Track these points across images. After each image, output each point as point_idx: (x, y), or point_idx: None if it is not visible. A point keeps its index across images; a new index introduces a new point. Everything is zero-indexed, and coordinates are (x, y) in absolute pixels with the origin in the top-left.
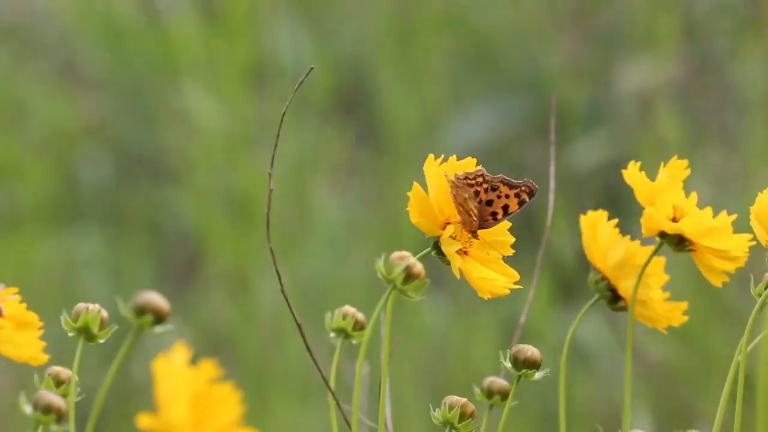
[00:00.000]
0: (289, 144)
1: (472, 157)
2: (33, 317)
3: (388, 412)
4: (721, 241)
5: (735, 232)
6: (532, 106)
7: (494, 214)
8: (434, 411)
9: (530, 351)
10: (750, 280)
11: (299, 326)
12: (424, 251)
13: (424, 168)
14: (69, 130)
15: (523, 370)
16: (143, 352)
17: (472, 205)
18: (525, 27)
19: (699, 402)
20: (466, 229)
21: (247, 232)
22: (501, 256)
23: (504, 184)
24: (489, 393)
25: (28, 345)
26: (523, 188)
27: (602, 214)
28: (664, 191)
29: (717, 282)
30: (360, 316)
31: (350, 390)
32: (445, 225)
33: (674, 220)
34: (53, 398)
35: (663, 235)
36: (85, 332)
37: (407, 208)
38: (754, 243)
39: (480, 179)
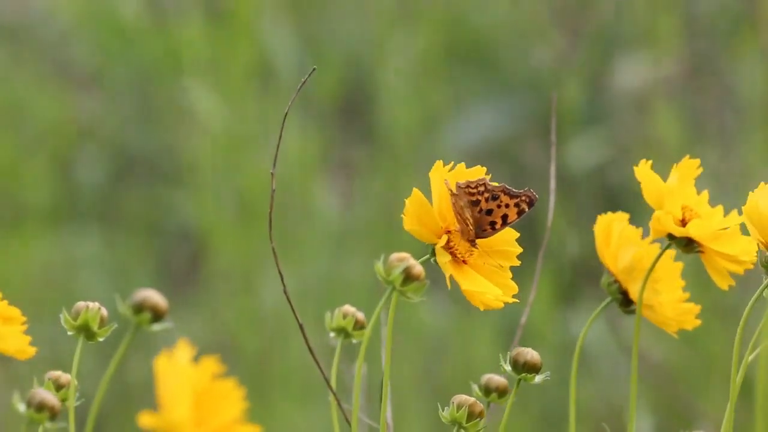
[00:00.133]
0: (290, 144)
1: (472, 157)
2: (15, 312)
3: (389, 413)
4: (729, 245)
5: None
6: (530, 105)
7: (493, 224)
8: (442, 410)
9: (530, 354)
10: (750, 281)
11: (301, 326)
12: (424, 258)
13: (430, 174)
14: (68, 129)
15: (523, 374)
16: (142, 352)
17: (468, 214)
18: (524, 26)
19: (699, 402)
20: (464, 238)
21: (249, 232)
22: (502, 266)
23: (505, 193)
24: (486, 390)
25: (13, 337)
26: (523, 198)
27: (617, 216)
28: (674, 194)
29: (723, 285)
30: (360, 315)
31: (350, 390)
32: (445, 233)
33: (684, 221)
34: (46, 396)
35: (671, 236)
36: (85, 330)
37: (402, 215)
38: (763, 247)
39: (482, 188)
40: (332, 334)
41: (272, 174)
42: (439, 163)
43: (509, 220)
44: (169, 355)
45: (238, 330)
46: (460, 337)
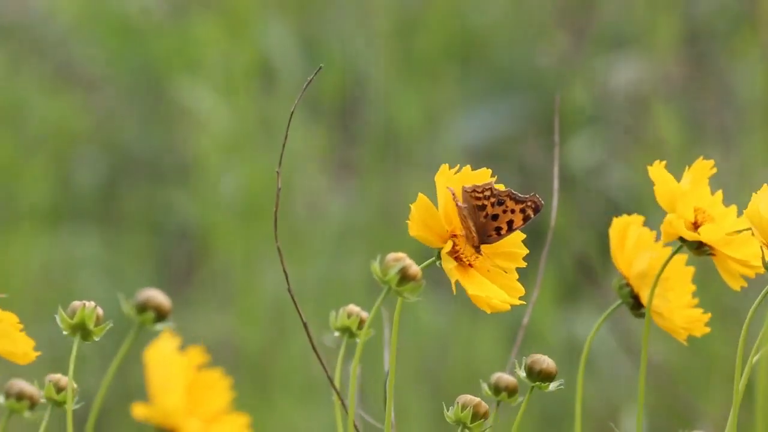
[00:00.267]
0: (291, 143)
1: (473, 157)
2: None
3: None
4: (740, 249)
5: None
6: (531, 105)
7: (498, 229)
8: (447, 410)
9: (546, 363)
10: (750, 281)
11: (305, 325)
12: (428, 261)
13: (435, 178)
14: (68, 129)
15: (538, 382)
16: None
17: (471, 223)
18: (525, 26)
19: (699, 402)
20: (469, 243)
21: (248, 232)
22: (510, 268)
23: (511, 198)
24: (496, 389)
25: (13, 339)
26: (529, 203)
27: (633, 219)
28: (686, 197)
29: (736, 286)
30: (364, 315)
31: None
32: (451, 236)
33: (696, 224)
34: (24, 386)
35: (683, 240)
36: (81, 329)
37: (407, 221)
38: None
39: (488, 192)
40: (336, 334)
41: (278, 173)
42: (444, 166)
43: (515, 226)
44: (157, 345)
45: (239, 329)
46: (461, 337)
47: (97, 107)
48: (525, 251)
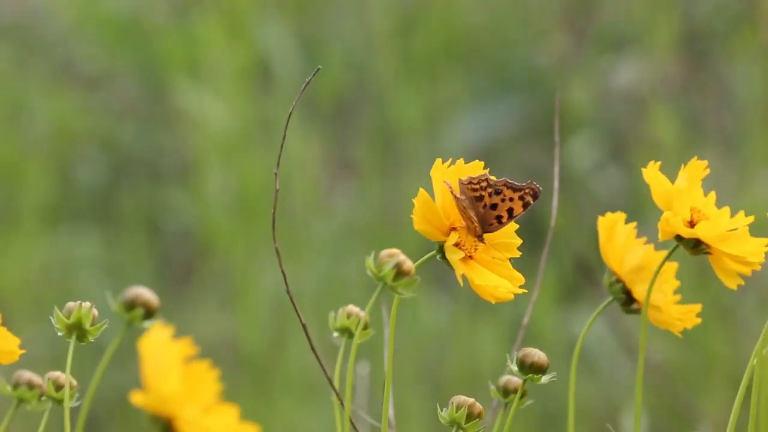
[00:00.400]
0: (290, 144)
1: (473, 158)
2: None
3: (391, 412)
4: (737, 246)
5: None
6: (531, 106)
7: (499, 218)
8: (441, 411)
9: (537, 355)
10: (749, 281)
11: (304, 326)
12: (429, 255)
13: (431, 173)
14: (68, 129)
15: (530, 375)
16: None
17: (472, 213)
18: (525, 26)
19: (699, 402)
20: (471, 234)
21: (248, 232)
22: (507, 259)
23: (508, 187)
24: (505, 392)
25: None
26: (527, 191)
27: (620, 216)
28: (682, 195)
29: (732, 285)
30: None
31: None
32: (451, 230)
33: (692, 222)
34: (33, 376)
35: (680, 238)
36: (78, 329)
37: (412, 215)
38: None
39: (484, 183)
40: (336, 334)
41: (276, 174)
42: (438, 161)
43: (515, 214)
44: (149, 335)
45: (239, 329)
46: (461, 336)
47: (97, 107)
48: (519, 241)
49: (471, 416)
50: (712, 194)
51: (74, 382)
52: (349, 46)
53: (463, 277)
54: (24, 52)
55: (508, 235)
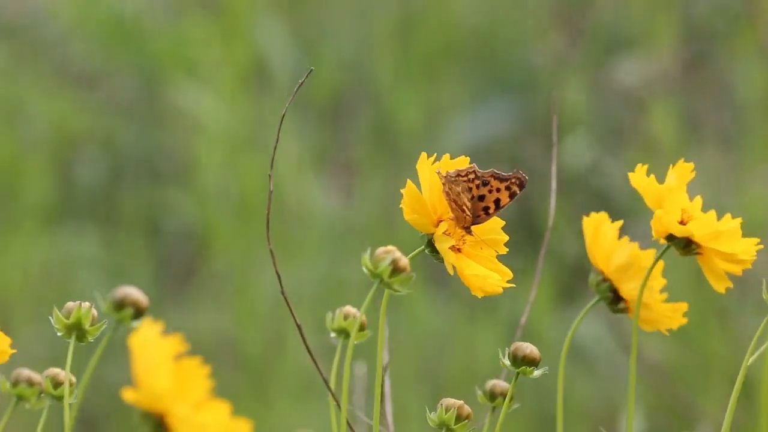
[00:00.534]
0: (289, 144)
1: (471, 157)
2: None
3: (389, 412)
4: (729, 244)
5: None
6: (529, 105)
7: (486, 209)
8: (430, 413)
9: (529, 348)
10: (748, 281)
11: (299, 327)
12: (418, 249)
13: (417, 166)
14: (67, 129)
15: (522, 367)
16: None
17: (466, 198)
18: (522, 26)
19: (698, 402)
20: (459, 225)
21: (247, 232)
22: (495, 255)
23: (495, 178)
24: (492, 395)
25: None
26: (514, 180)
27: (604, 216)
28: (673, 194)
29: (720, 288)
30: (362, 317)
31: (350, 390)
32: (439, 222)
33: (682, 223)
34: (32, 374)
35: (671, 238)
36: (77, 329)
37: (401, 206)
38: (761, 246)
39: (472, 175)
40: (333, 335)
41: (270, 175)
42: (423, 155)
43: (502, 204)
44: (139, 332)
45: (238, 329)
46: (460, 337)
47: (96, 107)
48: (505, 237)
49: (460, 418)
50: (698, 198)
51: (74, 380)
52: (348, 46)
53: (453, 269)
54: (23, 52)
55: (495, 231)
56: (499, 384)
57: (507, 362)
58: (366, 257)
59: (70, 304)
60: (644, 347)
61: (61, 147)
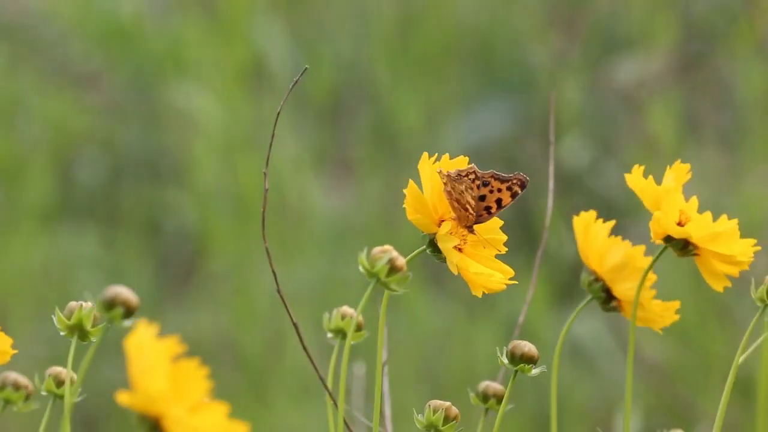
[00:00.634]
0: (290, 144)
1: (470, 156)
2: None
3: (388, 412)
4: (726, 246)
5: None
6: (527, 105)
7: (488, 209)
8: (417, 415)
9: (527, 347)
10: (747, 281)
11: (295, 326)
12: (419, 249)
13: (418, 166)
14: (67, 129)
15: (520, 365)
16: None
17: (469, 197)
18: (520, 26)
19: (698, 401)
20: (461, 225)
21: (247, 232)
22: (494, 254)
23: (495, 178)
24: (485, 397)
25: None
26: (515, 181)
27: (593, 215)
28: (671, 195)
29: (719, 287)
30: (360, 318)
31: (349, 390)
32: (440, 222)
33: (680, 224)
34: (19, 377)
35: (668, 239)
36: (79, 330)
37: (404, 205)
38: (759, 248)
39: (472, 176)
40: (330, 335)
41: (264, 174)
42: (425, 155)
43: (504, 204)
44: (135, 334)
45: (237, 329)
46: (459, 336)
47: (95, 107)
48: (504, 237)
49: (448, 419)
50: (694, 199)
51: (75, 378)
52: (347, 46)
53: (456, 268)
54: (23, 52)
55: (494, 231)
56: (492, 385)
57: (505, 360)
58: (362, 257)
59: (72, 304)
60: (644, 347)
61: (61, 147)
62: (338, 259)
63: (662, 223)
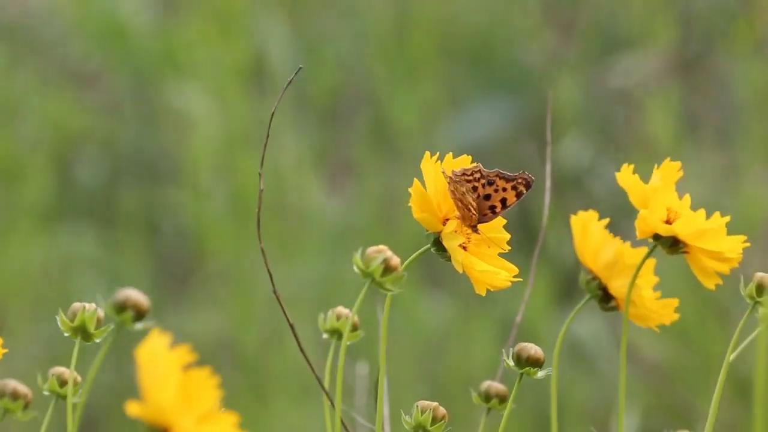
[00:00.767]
0: (290, 144)
1: (470, 156)
2: None
3: (386, 412)
4: (715, 242)
5: (728, 232)
6: (525, 105)
7: (493, 208)
8: (405, 416)
9: (533, 349)
10: (747, 280)
11: (292, 326)
12: (424, 248)
13: (421, 165)
14: (67, 129)
15: (526, 368)
16: None
17: (471, 198)
18: (517, 25)
19: (697, 401)
20: (465, 224)
21: (246, 232)
22: (497, 252)
23: (500, 177)
24: (487, 397)
25: None
26: (520, 180)
27: (592, 215)
28: (658, 193)
29: (710, 285)
30: (355, 318)
31: (348, 390)
32: (445, 221)
33: (668, 222)
34: (18, 385)
35: (657, 237)
36: (82, 331)
37: (409, 204)
38: (748, 244)
39: (477, 175)
40: (326, 336)
41: (260, 174)
42: (427, 154)
43: (509, 203)
44: (147, 343)
45: (236, 329)
46: (458, 336)
47: (95, 107)
48: (507, 236)
49: (436, 419)
50: (687, 197)
51: (78, 378)
52: (346, 46)
53: (461, 266)
54: (24, 51)
55: (497, 230)
56: (494, 385)
57: (511, 363)
58: (357, 257)
59: (75, 305)
60: (644, 347)
61: (60, 147)
62: (338, 259)
63: (648, 221)
